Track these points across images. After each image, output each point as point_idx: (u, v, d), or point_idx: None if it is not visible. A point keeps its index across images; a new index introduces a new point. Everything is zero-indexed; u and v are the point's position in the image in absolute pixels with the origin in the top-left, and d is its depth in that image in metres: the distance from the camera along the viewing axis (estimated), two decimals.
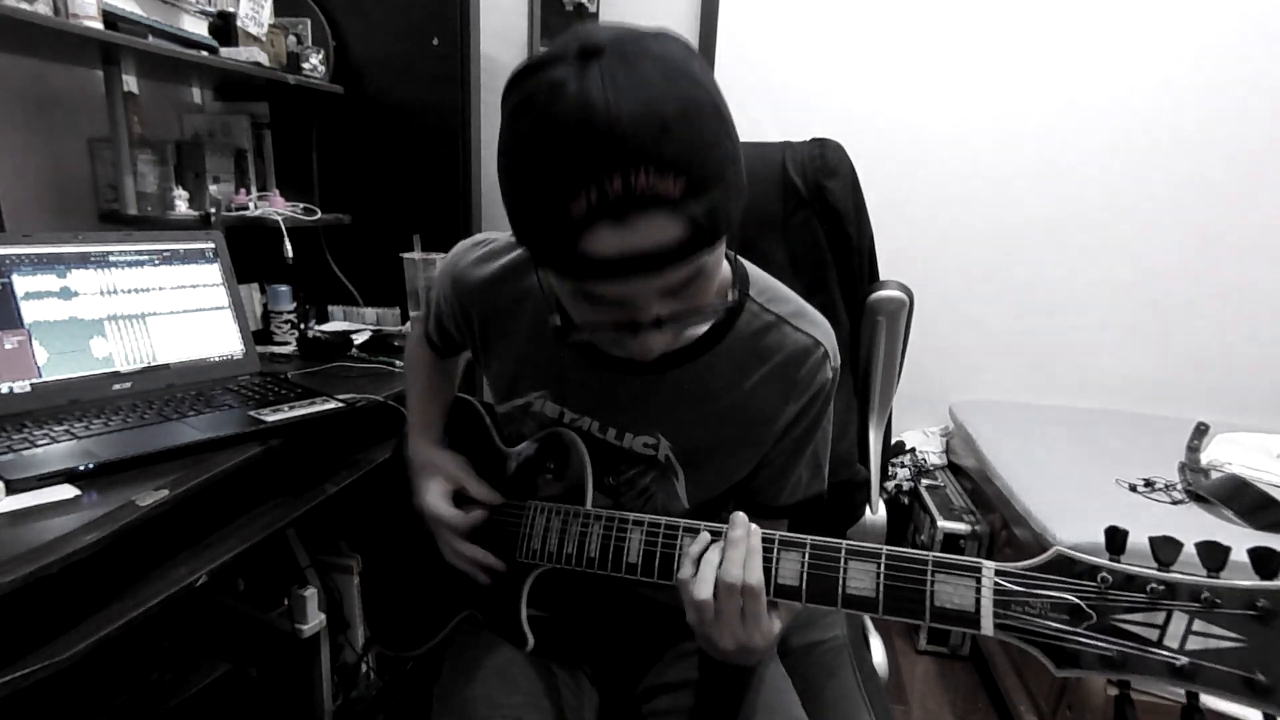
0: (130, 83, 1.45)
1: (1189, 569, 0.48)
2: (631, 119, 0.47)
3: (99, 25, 1.13)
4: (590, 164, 0.48)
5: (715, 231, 0.53)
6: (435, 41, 1.62)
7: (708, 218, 0.51)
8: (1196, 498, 1.50)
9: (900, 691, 1.75)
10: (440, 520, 0.78)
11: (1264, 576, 0.46)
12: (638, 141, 0.47)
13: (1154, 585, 0.48)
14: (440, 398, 0.91)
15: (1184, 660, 0.47)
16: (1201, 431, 1.67)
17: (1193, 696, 0.48)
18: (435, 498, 0.79)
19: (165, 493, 0.80)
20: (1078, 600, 0.50)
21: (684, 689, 0.79)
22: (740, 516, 0.62)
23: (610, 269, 0.51)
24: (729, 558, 0.60)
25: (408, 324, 1.64)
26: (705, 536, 0.63)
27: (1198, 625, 0.47)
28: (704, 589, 0.60)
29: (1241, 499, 1.43)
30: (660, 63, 0.49)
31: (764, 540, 0.60)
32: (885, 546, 0.56)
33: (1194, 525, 1.39)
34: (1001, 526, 1.77)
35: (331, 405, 1.08)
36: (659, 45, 0.50)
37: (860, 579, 0.56)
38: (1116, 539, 0.51)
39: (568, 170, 0.48)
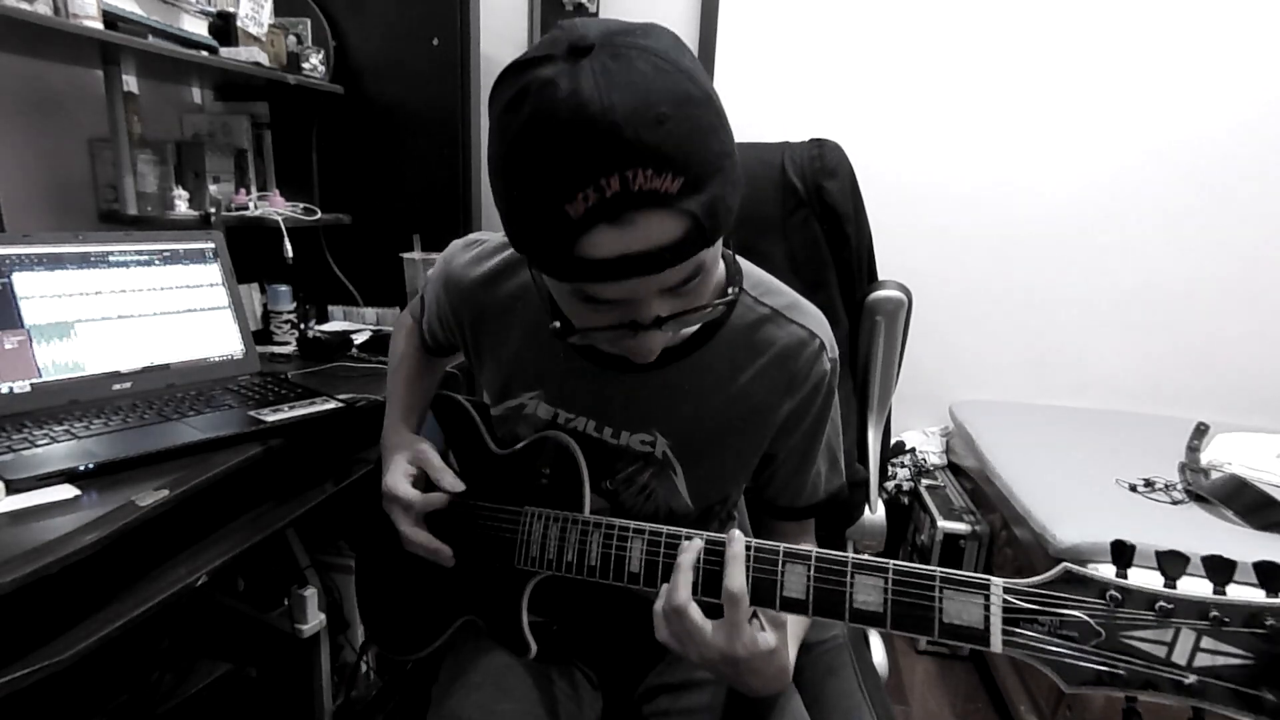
0: (130, 83, 1.44)
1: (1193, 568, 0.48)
2: (626, 117, 0.46)
3: (99, 25, 1.13)
4: (587, 164, 0.47)
5: (715, 227, 0.52)
6: (435, 41, 1.62)
7: (707, 213, 0.50)
8: (1196, 498, 1.50)
9: (900, 691, 1.75)
10: (393, 499, 0.77)
11: (1270, 591, 0.46)
12: (634, 139, 0.46)
13: (1162, 603, 0.48)
14: (422, 390, 0.90)
15: (1192, 678, 0.47)
16: (1201, 431, 1.67)
17: (1200, 712, 0.47)
18: (395, 477, 0.77)
19: (165, 493, 0.80)
20: (1087, 618, 0.50)
21: (685, 689, 0.79)
22: (694, 543, 0.61)
23: (609, 270, 0.51)
24: (673, 581, 0.60)
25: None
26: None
27: (1206, 642, 0.47)
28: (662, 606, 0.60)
29: (1241, 499, 1.43)
30: (651, 57, 0.48)
31: (767, 553, 0.60)
32: (892, 561, 0.56)
33: (1194, 525, 1.39)
34: (1001, 526, 1.77)
35: (331, 405, 1.08)
36: (649, 40, 0.50)
37: (867, 593, 0.56)
38: (1124, 554, 0.50)
39: (563, 172, 0.47)
